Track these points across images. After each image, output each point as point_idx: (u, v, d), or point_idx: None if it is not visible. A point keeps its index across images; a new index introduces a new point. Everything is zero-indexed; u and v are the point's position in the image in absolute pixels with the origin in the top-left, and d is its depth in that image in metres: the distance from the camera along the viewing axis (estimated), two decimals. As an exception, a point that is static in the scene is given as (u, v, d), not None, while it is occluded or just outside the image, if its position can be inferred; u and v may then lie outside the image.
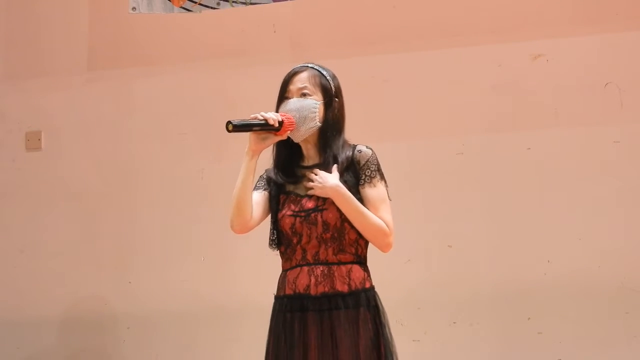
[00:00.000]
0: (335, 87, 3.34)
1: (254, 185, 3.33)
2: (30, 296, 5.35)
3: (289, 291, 3.26)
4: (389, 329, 3.25)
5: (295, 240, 3.27)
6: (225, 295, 5.08)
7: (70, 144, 5.41)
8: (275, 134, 3.25)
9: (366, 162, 3.29)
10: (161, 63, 5.33)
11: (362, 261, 3.30)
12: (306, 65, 3.36)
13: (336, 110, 3.33)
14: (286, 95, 3.32)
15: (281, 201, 3.31)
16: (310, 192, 3.26)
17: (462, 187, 4.88)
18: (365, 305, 3.23)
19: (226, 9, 5.07)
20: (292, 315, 3.23)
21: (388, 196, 3.31)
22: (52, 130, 5.45)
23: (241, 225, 3.29)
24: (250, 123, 3.23)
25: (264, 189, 3.35)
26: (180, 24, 5.25)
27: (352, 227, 3.26)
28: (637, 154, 4.74)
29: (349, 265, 3.26)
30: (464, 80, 4.93)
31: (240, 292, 5.06)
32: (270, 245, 3.35)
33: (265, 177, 3.37)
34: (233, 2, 5.06)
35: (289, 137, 3.29)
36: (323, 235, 3.24)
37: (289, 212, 3.28)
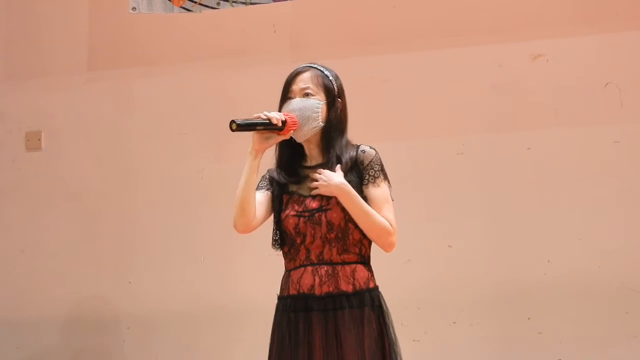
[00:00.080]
0: (337, 87, 3.34)
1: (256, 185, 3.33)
2: (30, 296, 5.35)
3: (292, 291, 3.26)
4: (393, 329, 3.26)
5: (298, 241, 3.27)
6: (225, 295, 5.08)
7: (70, 144, 5.41)
8: (279, 134, 3.25)
9: (370, 162, 3.30)
10: (161, 63, 5.33)
11: (366, 261, 3.30)
12: (309, 65, 3.36)
13: (339, 111, 3.33)
14: (289, 95, 3.32)
15: (284, 201, 3.31)
16: (315, 192, 3.26)
17: (462, 187, 4.88)
18: (369, 305, 3.24)
19: (226, 9, 5.07)
20: (296, 315, 3.23)
21: (391, 196, 3.31)
22: (52, 130, 5.45)
23: (244, 225, 3.29)
24: (254, 122, 3.23)
25: (267, 189, 3.35)
26: (180, 24, 5.26)
27: (356, 227, 3.26)
28: (637, 154, 4.74)
29: (353, 265, 3.26)
30: (464, 80, 4.93)
31: (241, 292, 5.06)
32: (274, 245, 3.34)
33: (267, 177, 3.37)
34: (233, 2, 5.06)
35: (291, 137, 3.29)
36: (327, 235, 3.24)
37: (292, 213, 3.28)
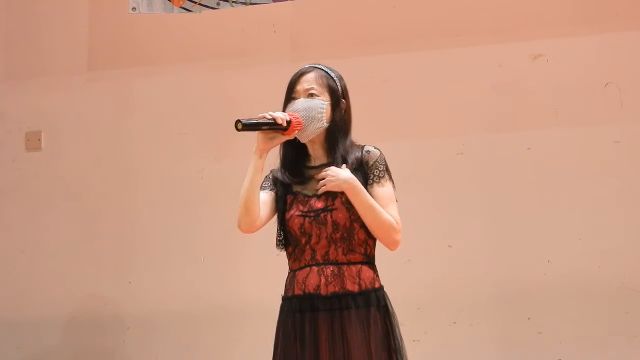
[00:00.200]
0: (342, 88, 3.35)
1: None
2: (30, 296, 5.35)
3: (298, 291, 3.26)
4: (399, 329, 3.26)
5: (303, 241, 3.27)
6: (225, 295, 5.08)
7: (70, 144, 5.41)
8: (283, 134, 3.25)
9: (375, 162, 3.30)
10: (161, 63, 5.33)
11: (371, 261, 3.30)
12: (313, 65, 3.36)
13: (343, 111, 3.33)
14: (293, 95, 3.32)
15: (288, 201, 3.31)
16: (322, 189, 3.24)
17: (462, 187, 4.88)
18: (375, 305, 3.24)
19: (226, 9, 5.07)
20: (302, 315, 3.23)
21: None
22: (52, 130, 5.45)
23: (248, 225, 3.28)
24: (259, 122, 3.22)
25: (270, 189, 3.35)
26: (180, 24, 5.26)
27: (362, 226, 3.26)
28: (637, 154, 4.74)
29: (359, 265, 3.26)
30: (464, 80, 4.93)
31: (241, 292, 5.06)
32: (278, 245, 3.34)
33: (271, 177, 3.37)
34: (233, 2, 5.06)
35: (295, 137, 3.29)
36: (333, 235, 3.24)
37: (297, 213, 3.28)
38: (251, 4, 5.05)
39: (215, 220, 5.09)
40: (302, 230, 3.26)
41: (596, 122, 4.79)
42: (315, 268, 3.25)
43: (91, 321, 5.28)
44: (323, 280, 3.23)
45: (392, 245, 3.27)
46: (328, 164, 3.29)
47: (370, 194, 3.26)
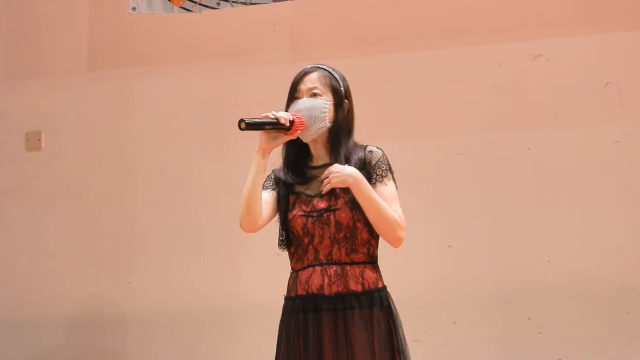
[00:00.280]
0: (345, 89, 3.35)
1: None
2: (30, 296, 5.35)
3: (301, 291, 3.25)
4: (402, 329, 3.26)
5: (306, 241, 3.27)
6: (226, 295, 5.08)
7: (70, 144, 5.41)
8: (286, 134, 3.25)
9: (377, 161, 3.29)
10: (161, 63, 5.33)
11: (374, 261, 3.30)
12: (316, 66, 3.36)
13: (346, 112, 3.33)
14: (296, 95, 3.32)
15: (291, 202, 3.31)
16: (327, 187, 3.21)
17: (462, 187, 4.88)
18: (378, 305, 3.24)
19: (226, 9, 5.07)
20: (305, 315, 3.23)
21: None
22: (52, 130, 5.45)
23: (250, 224, 3.27)
24: (262, 122, 3.22)
25: (272, 189, 3.35)
26: (180, 24, 5.26)
27: (365, 226, 3.25)
28: (637, 154, 4.74)
29: (362, 266, 3.26)
30: (464, 80, 4.93)
31: (241, 291, 5.06)
32: (280, 245, 3.34)
33: (273, 177, 3.37)
34: (233, 2, 5.06)
35: (297, 137, 3.29)
36: (336, 235, 3.24)
37: (300, 213, 3.27)
38: (251, 4, 5.05)
39: (216, 220, 5.09)
40: (305, 230, 3.26)
41: (596, 122, 4.79)
42: (318, 268, 3.25)
43: (91, 321, 5.28)
44: (326, 280, 3.23)
45: (396, 242, 3.25)
46: (330, 164, 3.28)
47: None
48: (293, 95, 3.32)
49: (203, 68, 5.25)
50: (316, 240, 3.26)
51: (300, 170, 3.34)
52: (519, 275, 4.78)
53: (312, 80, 3.32)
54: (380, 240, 3.33)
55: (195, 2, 5.08)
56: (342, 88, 3.34)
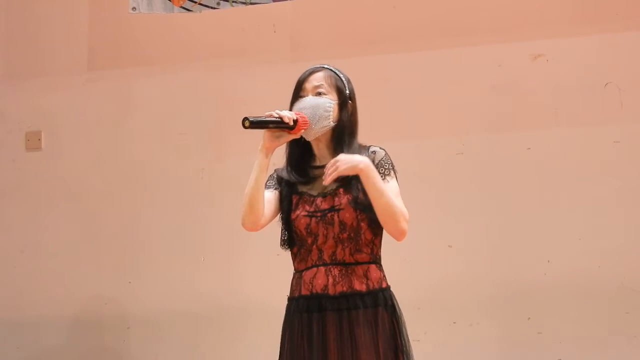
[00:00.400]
0: (349, 91, 3.35)
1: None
2: (30, 296, 5.35)
3: (305, 292, 3.25)
4: (405, 329, 3.26)
5: (310, 241, 3.27)
6: (226, 295, 5.08)
7: (70, 144, 5.41)
8: (289, 133, 3.24)
9: (380, 160, 3.29)
10: (161, 63, 5.33)
11: (377, 261, 3.30)
12: (322, 66, 3.37)
13: (350, 113, 3.33)
14: (301, 93, 3.32)
15: (294, 202, 3.30)
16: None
17: (462, 187, 4.88)
18: (383, 304, 3.24)
19: (226, 9, 5.07)
20: (309, 315, 3.22)
21: None
22: (52, 130, 5.45)
23: (253, 223, 3.27)
24: (266, 120, 3.21)
25: (275, 188, 3.34)
26: (180, 24, 5.26)
27: (368, 226, 3.25)
28: (637, 154, 4.75)
29: (366, 265, 3.26)
30: (464, 80, 4.93)
31: (242, 291, 5.06)
32: (282, 245, 3.34)
33: (275, 176, 3.37)
34: (233, 2, 5.06)
35: (301, 137, 3.28)
36: (340, 235, 3.24)
37: (303, 213, 3.27)
38: (251, 3, 5.05)
39: (216, 220, 5.09)
40: (309, 230, 3.26)
41: (596, 122, 4.79)
42: (322, 268, 3.24)
43: (91, 321, 5.28)
44: (331, 280, 3.23)
45: (399, 234, 3.23)
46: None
47: None
48: (298, 93, 3.32)
49: (203, 68, 5.25)
50: (320, 240, 3.26)
51: (303, 169, 3.34)
52: (519, 275, 4.78)
53: (318, 79, 3.32)
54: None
55: (195, 2, 5.08)
56: (346, 89, 3.34)
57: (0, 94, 5.53)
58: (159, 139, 5.29)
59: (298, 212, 3.28)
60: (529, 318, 4.77)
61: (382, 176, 3.26)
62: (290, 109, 3.30)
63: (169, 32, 5.31)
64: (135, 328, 5.22)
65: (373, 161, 3.28)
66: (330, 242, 3.25)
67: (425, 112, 4.96)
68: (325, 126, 3.28)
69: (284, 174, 3.35)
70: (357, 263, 3.25)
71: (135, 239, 5.26)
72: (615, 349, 4.67)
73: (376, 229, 3.28)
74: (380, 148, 3.33)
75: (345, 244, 3.25)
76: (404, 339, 3.25)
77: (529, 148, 4.85)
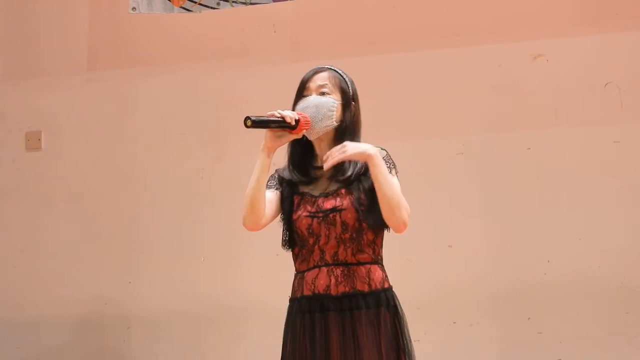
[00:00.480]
0: (353, 92, 3.36)
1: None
2: (30, 296, 5.35)
3: (307, 292, 3.25)
4: (408, 330, 3.26)
5: (311, 241, 3.26)
6: (226, 294, 5.08)
7: (70, 144, 5.41)
8: (291, 132, 3.24)
9: (382, 158, 3.29)
10: (161, 63, 5.33)
11: (379, 261, 3.30)
12: (327, 66, 3.37)
13: (353, 114, 3.33)
14: (305, 93, 3.32)
15: (295, 202, 3.30)
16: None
17: (462, 187, 4.88)
18: (385, 305, 3.24)
19: (226, 9, 5.07)
20: (311, 316, 3.22)
21: None
22: (52, 130, 5.45)
23: (254, 223, 3.27)
24: (268, 120, 3.21)
25: (276, 188, 3.34)
26: (180, 24, 5.26)
27: (370, 227, 3.25)
28: (637, 154, 4.75)
29: (368, 266, 3.26)
30: (464, 80, 4.93)
31: (242, 291, 5.06)
32: (284, 246, 3.33)
33: (276, 176, 3.37)
34: (233, 2, 5.06)
35: (303, 137, 3.28)
36: (342, 235, 3.24)
37: (305, 213, 3.27)
38: (251, 4, 5.05)
39: (216, 220, 5.09)
40: (310, 230, 3.26)
41: (596, 122, 4.80)
42: (324, 269, 3.24)
43: (91, 321, 5.27)
44: (333, 280, 3.23)
45: (401, 225, 3.22)
46: (335, 165, 3.28)
47: None
48: (302, 92, 3.32)
49: (203, 68, 5.26)
50: (322, 240, 3.25)
51: (305, 169, 3.34)
52: (519, 275, 4.78)
53: (322, 79, 3.33)
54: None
55: (195, 2, 5.08)
56: (350, 90, 3.35)
57: (0, 94, 5.53)
58: (159, 139, 5.29)
59: (300, 212, 3.28)
60: (529, 318, 4.77)
61: None
62: (294, 108, 3.30)
63: (169, 32, 5.31)
64: (135, 328, 5.21)
65: None
66: (333, 242, 3.25)
67: (426, 112, 4.96)
68: (328, 126, 3.28)
69: (286, 174, 3.35)
70: (359, 263, 3.25)
71: (135, 239, 5.26)
72: (615, 349, 4.67)
73: (377, 230, 3.28)
74: (382, 148, 3.33)
75: (348, 244, 3.25)
76: (406, 340, 3.25)
77: (529, 148, 4.85)
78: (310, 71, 3.36)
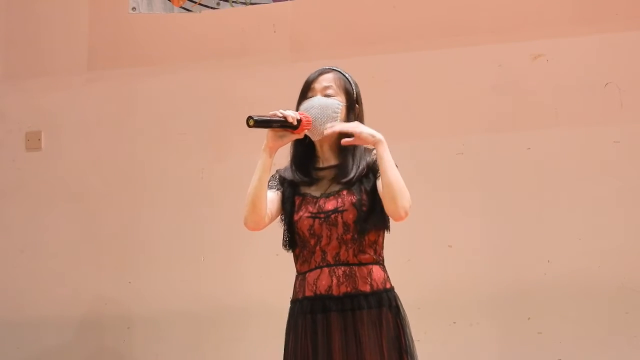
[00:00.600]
0: (357, 94, 3.36)
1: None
2: (30, 296, 5.35)
3: (309, 293, 3.25)
4: (410, 330, 3.26)
5: (312, 242, 3.26)
6: (226, 294, 5.08)
7: (70, 144, 5.41)
8: (293, 132, 3.24)
9: None
10: (161, 63, 5.33)
11: (381, 262, 3.30)
12: (332, 68, 3.38)
13: (356, 116, 3.34)
14: (310, 93, 3.32)
15: (296, 203, 3.30)
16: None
17: (462, 187, 4.88)
18: (387, 305, 3.24)
19: (226, 9, 5.07)
20: (312, 316, 3.22)
21: None
22: (52, 130, 5.45)
23: (255, 223, 3.26)
24: (270, 120, 3.21)
25: (277, 189, 3.34)
26: (180, 24, 5.26)
27: (371, 228, 3.25)
28: (637, 154, 4.75)
29: (370, 266, 3.26)
30: (464, 80, 4.93)
31: (242, 291, 5.06)
32: (284, 246, 3.33)
33: (277, 177, 3.37)
34: (233, 2, 5.06)
35: (305, 137, 3.28)
36: (344, 236, 3.24)
37: (306, 214, 3.27)
38: (251, 4, 5.05)
39: (216, 220, 5.09)
40: (312, 231, 3.26)
41: (596, 122, 4.80)
42: (326, 269, 3.24)
43: (91, 321, 5.27)
44: (335, 280, 3.23)
45: (402, 213, 3.19)
46: (337, 166, 3.29)
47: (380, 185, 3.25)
48: (307, 93, 3.32)
49: (203, 68, 5.26)
50: (323, 241, 3.25)
51: (307, 170, 3.34)
52: (519, 275, 4.78)
53: (327, 80, 3.33)
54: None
55: (195, 2, 5.08)
56: (354, 93, 3.35)
57: (0, 94, 5.53)
58: (159, 139, 5.29)
59: (301, 213, 3.28)
60: (529, 318, 4.77)
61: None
62: (297, 108, 3.30)
63: (169, 32, 5.31)
64: (136, 328, 5.21)
65: (375, 160, 3.28)
66: (334, 243, 3.25)
67: (425, 112, 4.96)
68: (332, 127, 3.28)
69: (287, 175, 3.35)
70: (361, 264, 3.25)
71: (135, 239, 5.26)
72: (615, 349, 4.67)
73: (379, 230, 3.28)
74: None
75: (349, 245, 3.25)
76: (409, 340, 3.25)
77: (529, 148, 4.85)
78: (316, 72, 3.36)
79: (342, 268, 3.24)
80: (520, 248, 4.80)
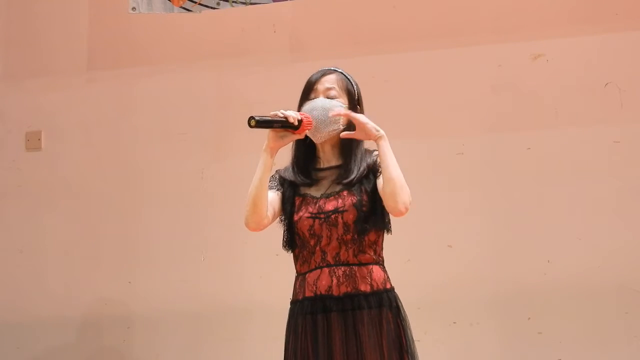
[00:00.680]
0: (358, 96, 3.36)
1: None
2: (30, 296, 5.35)
3: (309, 293, 3.25)
4: (410, 330, 3.27)
5: (312, 242, 3.27)
6: (226, 294, 5.08)
7: (70, 144, 5.41)
8: (294, 133, 3.24)
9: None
10: (161, 63, 5.33)
11: (380, 262, 3.31)
12: (334, 69, 3.38)
13: None
14: (312, 94, 3.32)
15: (297, 203, 3.31)
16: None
17: (462, 187, 4.88)
18: (387, 305, 3.25)
19: (226, 8, 5.07)
20: (313, 316, 3.23)
21: None
22: (52, 130, 5.45)
23: (256, 223, 3.27)
24: (272, 120, 3.21)
25: (277, 189, 3.35)
26: (180, 24, 5.26)
27: (371, 228, 3.25)
28: (637, 154, 4.75)
29: (370, 266, 3.26)
30: (464, 80, 4.93)
31: (242, 291, 5.06)
32: (284, 247, 3.34)
33: (277, 177, 3.37)
34: (233, 2, 5.06)
35: (306, 138, 3.29)
36: (344, 236, 3.25)
37: (306, 214, 3.27)
38: (251, 3, 5.05)
39: (216, 219, 5.09)
40: (312, 232, 3.26)
41: (596, 122, 4.80)
42: (326, 269, 3.25)
43: (91, 321, 5.27)
44: (335, 281, 3.23)
45: (402, 208, 3.20)
46: (338, 167, 3.30)
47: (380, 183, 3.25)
48: (309, 94, 3.33)
49: (203, 68, 5.25)
50: (323, 241, 3.26)
51: (307, 171, 3.34)
52: (519, 275, 4.78)
53: (330, 81, 3.33)
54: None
55: (195, 2, 5.08)
56: (356, 94, 3.36)
57: (0, 94, 5.53)
58: (159, 139, 5.29)
59: (301, 213, 3.28)
60: (529, 318, 4.77)
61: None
62: (299, 109, 3.30)
63: (169, 32, 5.31)
64: (136, 328, 5.21)
65: (376, 160, 3.29)
66: (334, 243, 3.25)
67: (425, 112, 4.96)
68: (335, 129, 3.28)
69: (287, 175, 3.35)
70: (361, 264, 3.25)
71: (135, 239, 5.26)
72: (615, 349, 4.67)
73: (379, 231, 3.28)
74: None
75: (349, 245, 3.25)
76: (409, 340, 3.25)
77: (529, 148, 4.85)
78: (318, 72, 3.36)
79: (342, 268, 3.24)
80: (520, 248, 4.80)
